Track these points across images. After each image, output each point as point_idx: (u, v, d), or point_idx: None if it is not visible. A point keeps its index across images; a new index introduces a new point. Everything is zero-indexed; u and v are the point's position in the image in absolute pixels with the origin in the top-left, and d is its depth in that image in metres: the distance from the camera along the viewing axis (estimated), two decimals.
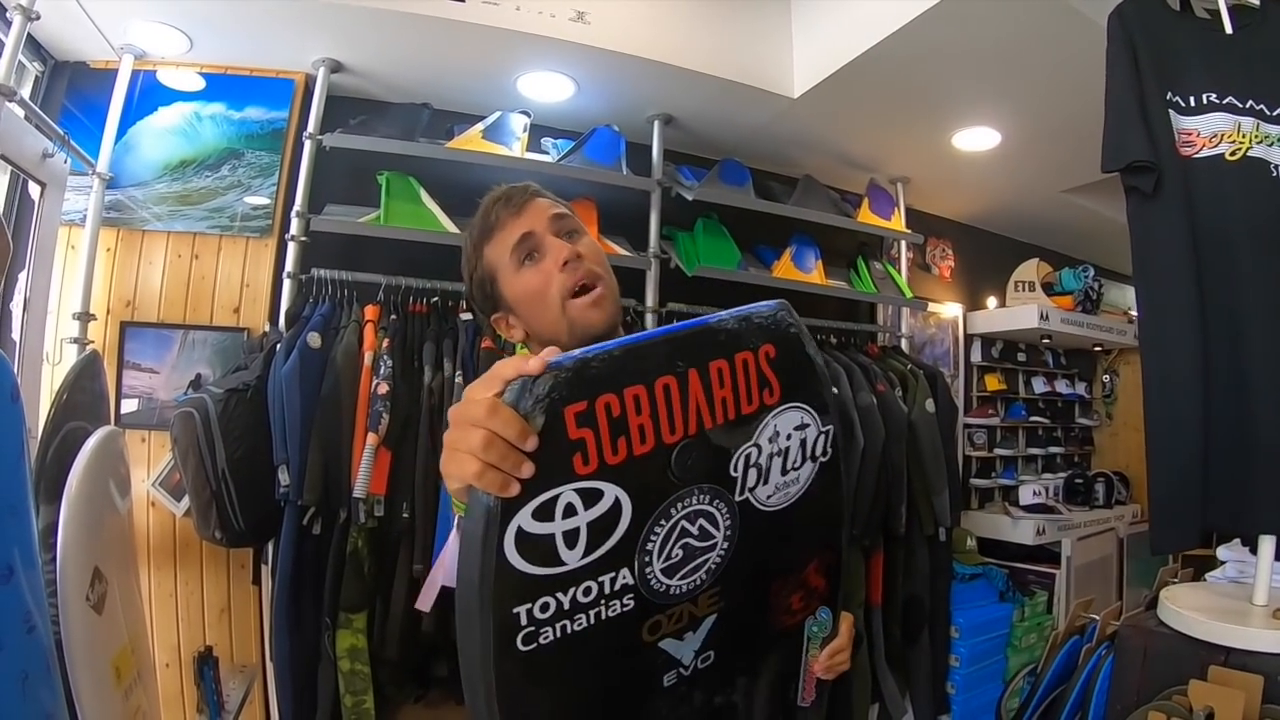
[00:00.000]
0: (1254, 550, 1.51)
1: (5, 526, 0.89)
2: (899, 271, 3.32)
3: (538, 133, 2.62)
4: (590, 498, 0.67)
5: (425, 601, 0.92)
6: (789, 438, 0.79)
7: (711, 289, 2.60)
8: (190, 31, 2.18)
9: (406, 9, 2.07)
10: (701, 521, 0.75)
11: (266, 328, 2.22)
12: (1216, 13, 1.51)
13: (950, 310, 3.80)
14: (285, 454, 1.92)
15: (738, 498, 0.77)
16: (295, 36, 2.23)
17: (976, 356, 3.87)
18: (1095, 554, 3.61)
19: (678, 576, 0.75)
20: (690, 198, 2.62)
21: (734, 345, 0.74)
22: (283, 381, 1.93)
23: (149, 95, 2.30)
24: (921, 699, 2.86)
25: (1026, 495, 3.66)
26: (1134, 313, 3.99)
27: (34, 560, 0.95)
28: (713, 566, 0.78)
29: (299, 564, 1.96)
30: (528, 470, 0.63)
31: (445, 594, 0.94)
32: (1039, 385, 4.14)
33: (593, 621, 0.71)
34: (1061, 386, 4.23)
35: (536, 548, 0.66)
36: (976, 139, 2.91)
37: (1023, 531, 3.41)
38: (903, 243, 3.37)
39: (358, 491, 1.90)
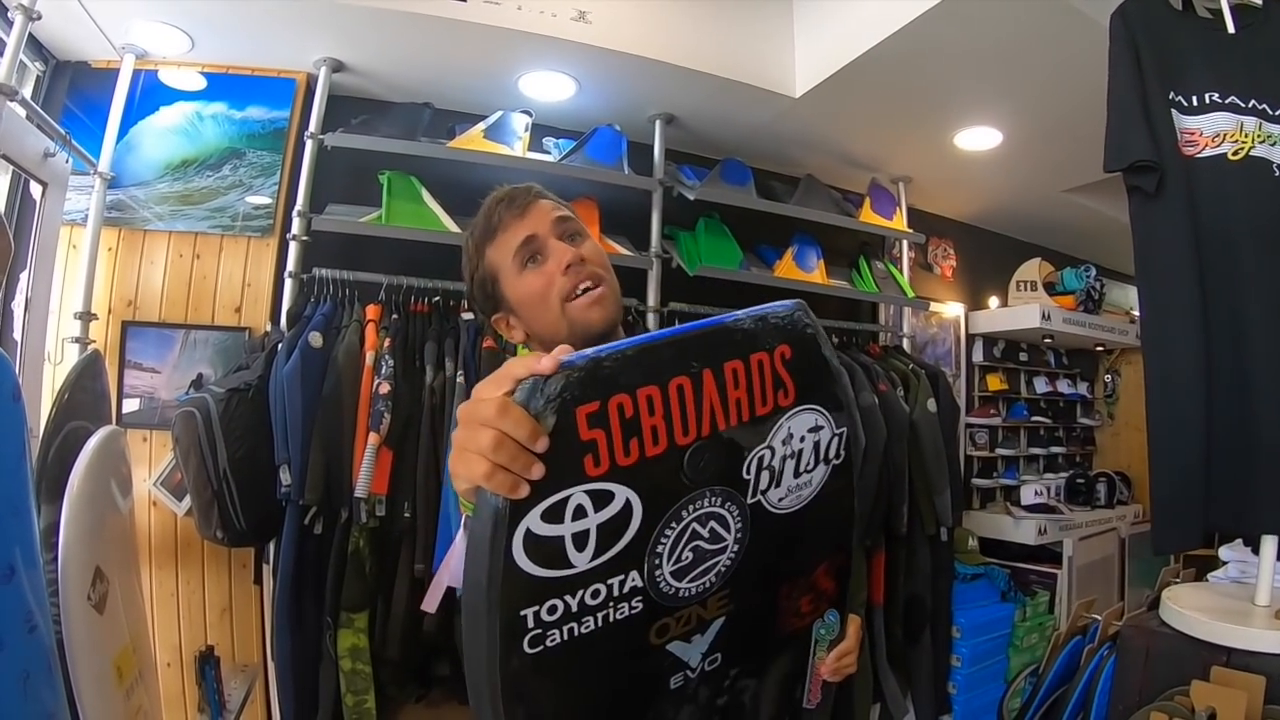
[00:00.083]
0: (1256, 550, 1.51)
1: (7, 526, 0.89)
2: (901, 271, 3.32)
3: (539, 132, 2.61)
4: (601, 499, 0.65)
5: (431, 603, 0.91)
6: (802, 440, 0.78)
7: (713, 289, 2.60)
8: (192, 31, 2.18)
9: (408, 8, 2.07)
10: (712, 524, 0.74)
11: (268, 327, 2.22)
12: (1219, 12, 1.51)
13: (952, 310, 3.80)
14: (287, 453, 1.92)
15: (749, 500, 0.76)
16: (297, 36, 2.23)
17: (978, 356, 3.86)
18: (1097, 554, 3.61)
19: (687, 579, 0.74)
20: (692, 197, 2.62)
21: (749, 345, 0.73)
22: (284, 381, 1.93)
23: (150, 95, 2.30)
24: (923, 699, 2.86)
25: (1028, 495, 3.65)
26: (1136, 312, 3.99)
27: (35, 560, 0.95)
28: (723, 569, 0.77)
29: (300, 563, 1.96)
30: (538, 472, 0.62)
31: (449, 595, 0.93)
32: (1041, 385, 4.13)
33: (600, 624, 0.70)
34: (1063, 386, 4.23)
35: (545, 550, 0.64)
36: (978, 138, 2.90)
37: (1024, 531, 3.41)
38: (904, 242, 3.36)
39: (359, 491, 1.90)
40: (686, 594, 0.75)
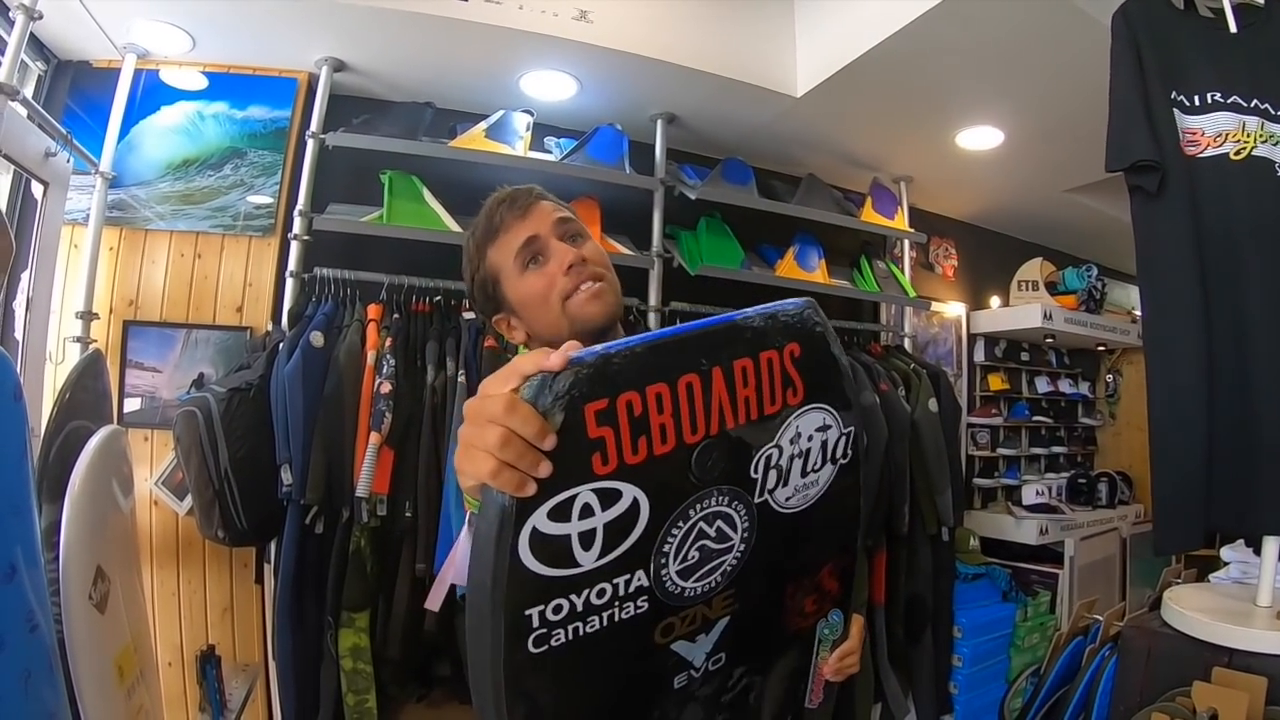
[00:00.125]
0: (1258, 551, 1.50)
1: (8, 525, 0.89)
2: (902, 271, 3.32)
3: (540, 132, 2.61)
4: (608, 498, 0.65)
5: (435, 601, 0.91)
6: (810, 439, 0.77)
7: (715, 288, 2.60)
8: (193, 31, 2.18)
9: (409, 8, 2.07)
10: (719, 523, 0.73)
11: (269, 327, 2.22)
12: (1221, 11, 1.51)
13: (953, 309, 3.80)
14: (288, 453, 1.92)
15: (757, 500, 0.75)
16: (298, 36, 2.23)
17: (980, 356, 3.86)
18: (1098, 554, 3.60)
19: (693, 579, 0.74)
20: (693, 197, 2.62)
21: (759, 343, 0.72)
22: (285, 381, 1.93)
23: (152, 94, 2.30)
24: (924, 699, 2.86)
25: (1029, 495, 3.65)
26: (1138, 312, 3.99)
27: (37, 559, 0.95)
28: (728, 569, 0.76)
29: (301, 563, 1.96)
30: (545, 470, 0.61)
31: (450, 593, 0.93)
32: (1042, 385, 4.13)
33: (605, 623, 0.70)
34: (1065, 386, 4.22)
35: (551, 549, 0.64)
36: (980, 138, 2.90)
37: (1026, 531, 3.41)
38: (906, 242, 3.36)
39: (360, 491, 1.90)
40: (692, 593, 0.75)
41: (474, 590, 0.67)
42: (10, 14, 1.68)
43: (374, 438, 1.91)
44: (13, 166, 1.83)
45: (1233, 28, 1.49)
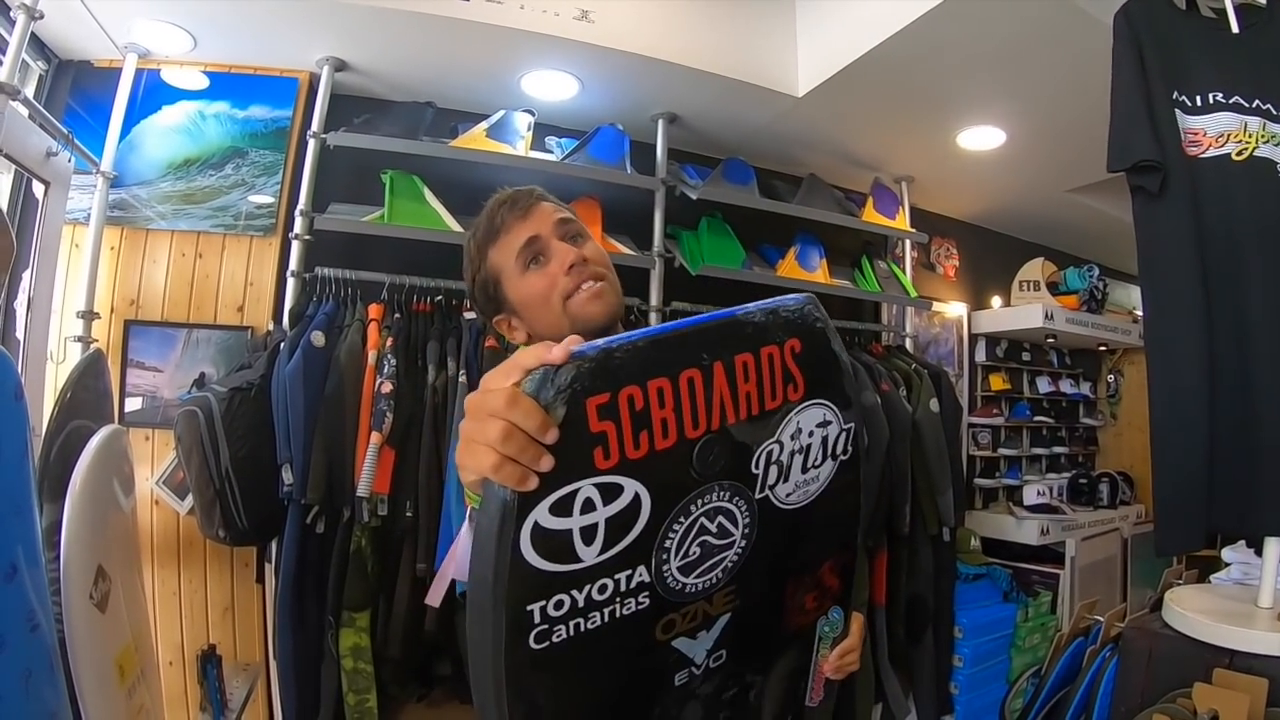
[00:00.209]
0: (1259, 552, 1.50)
1: (9, 525, 0.89)
2: (903, 271, 3.31)
3: (542, 131, 2.61)
4: (610, 493, 0.64)
5: (435, 596, 0.91)
6: (811, 435, 0.77)
7: (716, 288, 2.59)
8: (194, 30, 2.18)
9: (411, 8, 2.07)
10: (720, 519, 0.73)
11: (270, 326, 2.22)
12: (1223, 12, 1.51)
13: (955, 309, 3.79)
14: (289, 453, 1.92)
15: (758, 495, 0.75)
16: (299, 35, 2.23)
17: (981, 356, 3.86)
18: (1099, 554, 3.60)
19: (694, 575, 0.74)
20: (695, 196, 2.62)
21: (760, 338, 0.72)
22: (286, 380, 1.93)
23: (153, 94, 2.30)
24: (925, 699, 2.86)
25: (1031, 495, 3.65)
26: (1139, 312, 3.99)
27: (38, 558, 0.95)
28: (729, 565, 0.76)
29: (302, 563, 1.96)
30: (547, 464, 0.61)
31: (448, 591, 0.93)
32: (1043, 385, 4.13)
33: (606, 619, 0.69)
34: (1066, 386, 4.22)
35: (553, 544, 0.63)
36: (981, 138, 2.90)
37: (1027, 531, 3.41)
38: (907, 242, 3.36)
39: (361, 490, 1.90)
40: (693, 590, 0.75)
41: (475, 586, 0.66)
42: (11, 13, 1.68)
43: (375, 437, 1.91)
44: (14, 166, 1.83)
45: (1235, 28, 1.49)
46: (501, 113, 2.41)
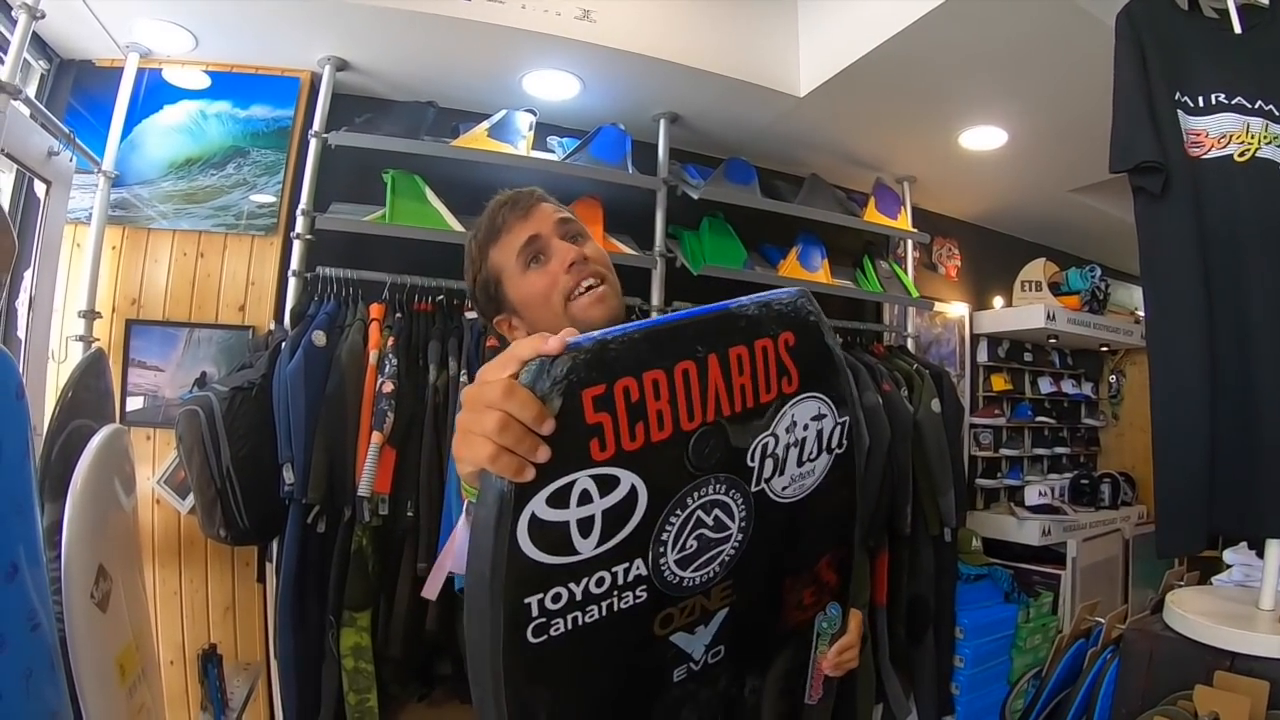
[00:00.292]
0: (1261, 554, 1.50)
1: (10, 524, 0.89)
2: (905, 271, 3.31)
3: (543, 131, 2.61)
4: (606, 485, 0.65)
5: (432, 589, 0.90)
6: (806, 428, 0.77)
7: (717, 288, 2.58)
8: (196, 30, 2.18)
9: (412, 7, 2.07)
10: (717, 512, 0.73)
11: (271, 326, 2.22)
12: (1225, 12, 1.51)
13: (956, 310, 3.79)
14: (290, 452, 1.92)
15: (753, 488, 0.75)
16: (301, 35, 2.23)
17: (983, 356, 3.85)
18: (1100, 555, 3.60)
19: (691, 568, 0.74)
20: (696, 196, 2.62)
21: (754, 331, 0.72)
22: (287, 380, 1.93)
23: (154, 93, 2.30)
24: (926, 700, 2.85)
25: (1032, 496, 3.64)
26: (1141, 313, 3.98)
27: (39, 558, 0.95)
28: (726, 559, 0.76)
29: (303, 562, 1.97)
30: (544, 455, 0.61)
31: (448, 590, 0.93)
32: (1045, 385, 4.12)
33: (604, 613, 0.69)
34: (1068, 387, 4.22)
35: (550, 536, 0.63)
36: (983, 138, 2.89)
37: (1028, 532, 3.40)
38: (909, 242, 3.36)
39: (362, 490, 1.90)
40: (691, 583, 0.74)
41: (473, 579, 0.66)
42: (13, 13, 1.68)
43: (376, 437, 1.92)
44: (15, 165, 1.83)
45: (1237, 28, 1.49)
46: (503, 112, 2.41)
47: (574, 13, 2.22)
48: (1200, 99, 1.48)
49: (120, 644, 1.38)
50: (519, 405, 0.60)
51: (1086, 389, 4.36)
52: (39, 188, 1.95)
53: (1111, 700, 1.68)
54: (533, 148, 2.45)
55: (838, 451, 0.82)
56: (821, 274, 2.88)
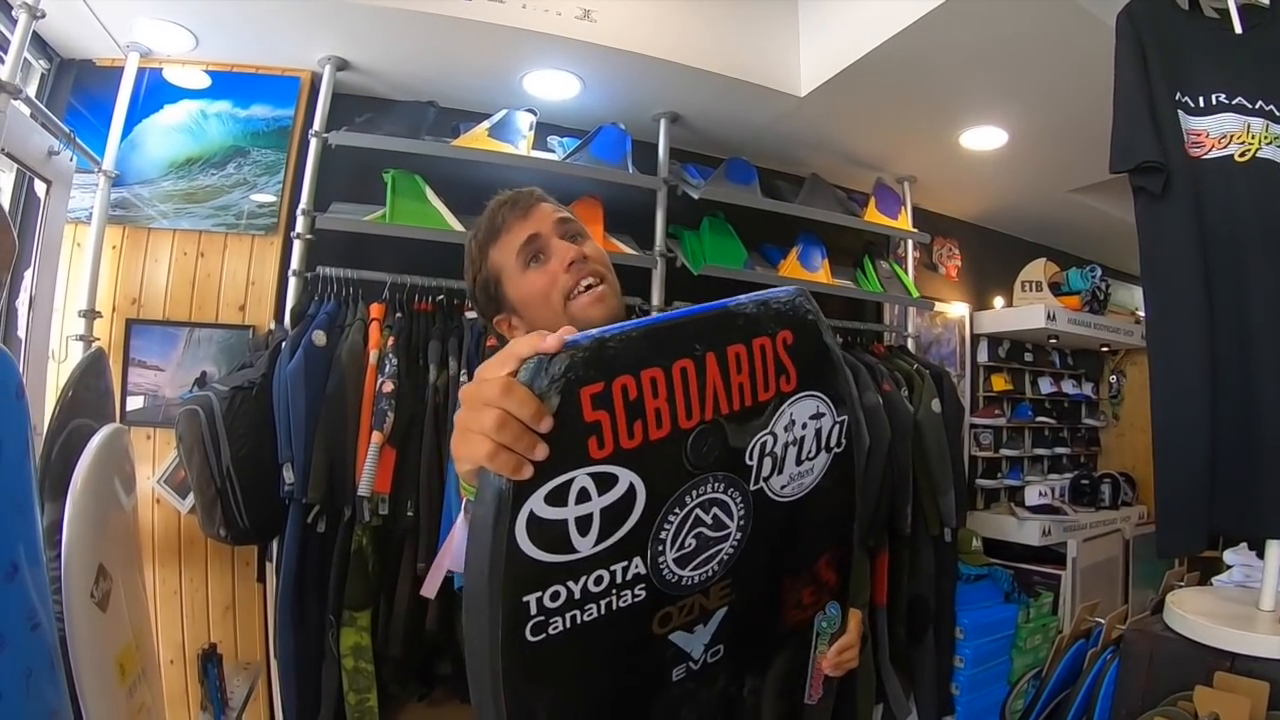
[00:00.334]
0: (1261, 554, 1.50)
1: (10, 524, 0.89)
2: (905, 271, 3.31)
3: (544, 131, 2.61)
4: (604, 483, 0.64)
5: (430, 588, 0.90)
6: (804, 427, 0.77)
7: (718, 288, 2.57)
8: (196, 29, 2.18)
9: (413, 7, 2.07)
10: (715, 510, 0.73)
11: (272, 326, 2.22)
12: (1226, 12, 1.50)
13: (957, 310, 3.79)
14: (290, 452, 1.92)
15: (752, 487, 0.75)
16: (301, 34, 2.23)
17: (983, 356, 3.85)
18: (1101, 555, 3.60)
19: (690, 567, 0.73)
20: (696, 196, 2.62)
21: (752, 330, 0.72)
22: (288, 379, 1.93)
23: (155, 93, 2.30)
24: (926, 700, 2.85)
25: (1032, 496, 3.64)
26: (1141, 313, 3.97)
27: (39, 557, 0.95)
28: (725, 557, 0.76)
29: (303, 562, 1.97)
30: (542, 452, 0.61)
31: (448, 590, 0.93)
32: (1045, 385, 4.12)
33: (603, 612, 0.69)
34: (1068, 387, 4.22)
35: (548, 534, 0.63)
36: (984, 138, 2.89)
37: (1028, 532, 3.40)
38: (909, 242, 3.36)
39: (362, 489, 1.90)
40: (689, 582, 0.74)
41: (471, 576, 0.66)
42: (13, 12, 1.68)
43: (376, 437, 1.92)
44: (16, 165, 1.83)
45: (1238, 28, 1.49)
46: (503, 112, 2.41)
47: (574, 12, 2.21)
48: (1201, 99, 1.48)
49: (120, 643, 1.38)
50: (517, 403, 0.60)
51: (1087, 389, 4.36)
52: (39, 187, 1.95)
53: (1111, 701, 1.68)
54: (533, 147, 2.45)
55: (836, 450, 0.81)
56: (822, 274, 2.88)
